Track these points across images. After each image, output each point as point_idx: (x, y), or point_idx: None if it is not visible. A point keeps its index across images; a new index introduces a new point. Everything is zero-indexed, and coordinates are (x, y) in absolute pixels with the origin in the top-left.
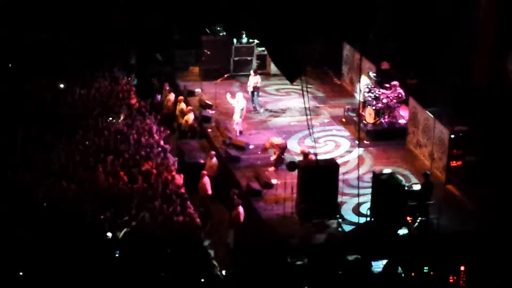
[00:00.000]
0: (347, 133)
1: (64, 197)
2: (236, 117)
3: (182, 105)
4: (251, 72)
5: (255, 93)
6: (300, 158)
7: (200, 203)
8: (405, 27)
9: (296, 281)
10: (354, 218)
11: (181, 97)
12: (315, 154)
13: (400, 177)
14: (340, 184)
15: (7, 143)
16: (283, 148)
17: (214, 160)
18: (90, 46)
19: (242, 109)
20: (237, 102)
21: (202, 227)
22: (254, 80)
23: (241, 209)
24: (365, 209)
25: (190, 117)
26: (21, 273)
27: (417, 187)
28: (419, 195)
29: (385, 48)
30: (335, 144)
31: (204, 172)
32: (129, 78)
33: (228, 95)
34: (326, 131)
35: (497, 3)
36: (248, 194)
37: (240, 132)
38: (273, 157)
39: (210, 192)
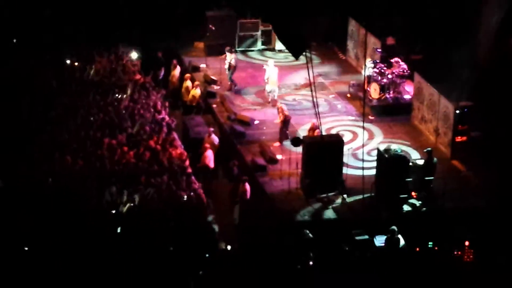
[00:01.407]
0: (353, 109)
1: (70, 172)
2: (269, 87)
3: (188, 83)
4: (226, 50)
5: (230, 71)
6: (305, 133)
7: (202, 176)
8: (410, 2)
9: (301, 256)
10: (359, 193)
11: (187, 75)
12: (320, 130)
13: (402, 151)
14: (346, 158)
15: (12, 119)
16: (287, 119)
17: (213, 136)
18: (94, 21)
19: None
20: (270, 71)
21: (207, 203)
22: (229, 58)
23: (247, 185)
24: (370, 184)
25: (197, 92)
26: (26, 248)
27: (420, 162)
28: (423, 171)
29: (390, 24)
30: (340, 119)
31: (207, 145)
32: (133, 54)
33: (265, 66)
34: (332, 107)
35: None
36: (253, 169)
37: (274, 101)
38: (277, 120)
39: (212, 165)
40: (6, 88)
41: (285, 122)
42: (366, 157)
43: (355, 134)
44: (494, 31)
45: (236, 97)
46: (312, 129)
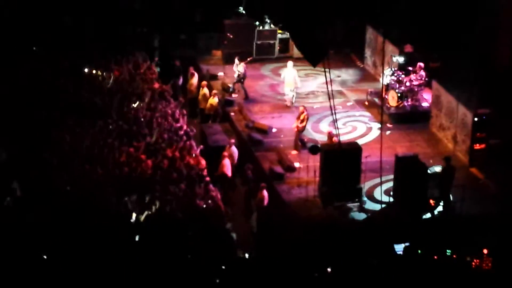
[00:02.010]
0: (370, 116)
1: (89, 181)
2: (287, 90)
3: (205, 90)
4: (236, 59)
5: (240, 79)
6: (323, 140)
7: (219, 185)
8: (428, 10)
9: (318, 264)
10: (377, 201)
11: (204, 82)
12: (338, 137)
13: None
14: (363, 167)
15: (30, 127)
16: (303, 126)
17: (233, 148)
18: (112, 29)
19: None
20: (288, 73)
21: (225, 210)
22: (237, 68)
23: (265, 192)
24: (388, 192)
25: (215, 100)
26: (44, 256)
27: (439, 169)
28: (441, 178)
29: (408, 31)
30: (358, 127)
31: (225, 153)
32: (152, 62)
33: (281, 71)
34: (349, 115)
35: None
36: (271, 178)
37: (291, 103)
38: (295, 124)
39: (229, 174)
40: (25, 95)
41: (302, 127)
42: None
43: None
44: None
45: (254, 105)
46: (330, 138)
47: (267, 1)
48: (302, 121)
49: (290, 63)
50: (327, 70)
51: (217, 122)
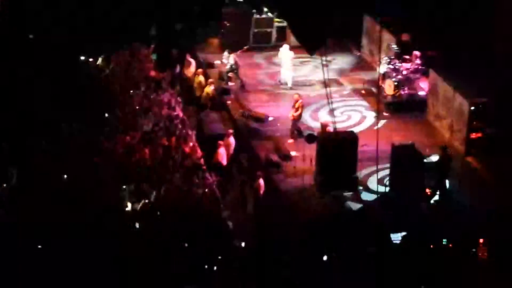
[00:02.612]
0: (367, 105)
1: (86, 169)
2: (283, 71)
3: (200, 78)
4: (225, 52)
5: (234, 70)
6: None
7: (215, 173)
8: None
9: (315, 252)
10: (373, 191)
11: (199, 70)
12: (335, 126)
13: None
14: (360, 155)
15: (28, 115)
16: (299, 114)
17: (231, 139)
18: (108, 18)
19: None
20: (284, 55)
21: (221, 199)
22: (227, 59)
23: (261, 181)
24: (384, 181)
25: (211, 89)
26: (39, 246)
27: (435, 159)
28: (437, 168)
29: (405, 20)
30: (354, 116)
31: (220, 142)
32: (148, 50)
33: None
34: (345, 103)
35: None
36: (267, 166)
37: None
38: (291, 113)
39: (224, 162)
40: (23, 84)
41: (298, 116)
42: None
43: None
44: (510, 25)
45: (250, 93)
46: (323, 128)
47: None
48: (297, 109)
49: (286, 46)
50: (323, 58)
51: (212, 111)
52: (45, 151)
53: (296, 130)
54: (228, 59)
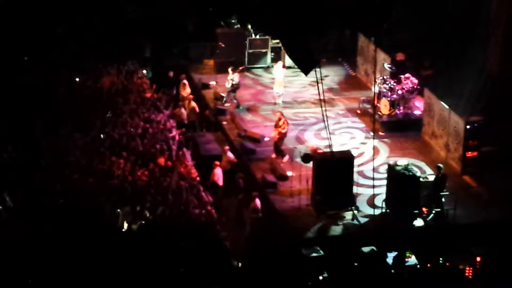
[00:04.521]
0: (362, 125)
1: (81, 190)
2: (276, 88)
3: (193, 104)
4: (229, 69)
5: (233, 89)
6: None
7: (211, 193)
8: (420, 18)
9: (311, 273)
10: (369, 210)
11: (191, 96)
12: (330, 146)
13: (415, 168)
14: (356, 175)
15: (23, 135)
16: (285, 132)
17: (229, 154)
18: (104, 39)
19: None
20: (278, 72)
21: (218, 219)
22: (230, 77)
23: (257, 201)
24: (380, 200)
25: (193, 104)
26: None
27: (431, 178)
28: (433, 186)
29: (399, 39)
30: (350, 136)
31: (216, 162)
32: (144, 72)
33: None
34: (341, 123)
35: None
36: (263, 186)
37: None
38: (274, 133)
39: (221, 183)
40: (18, 105)
41: (282, 136)
42: (375, 175)
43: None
44: (503, 44)
45: (246, 114)
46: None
47: (259, 11)
48: (282, 128)
49: (279, 63)
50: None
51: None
52: (40, 172)
53: (278, 149)
54: (231, 77)
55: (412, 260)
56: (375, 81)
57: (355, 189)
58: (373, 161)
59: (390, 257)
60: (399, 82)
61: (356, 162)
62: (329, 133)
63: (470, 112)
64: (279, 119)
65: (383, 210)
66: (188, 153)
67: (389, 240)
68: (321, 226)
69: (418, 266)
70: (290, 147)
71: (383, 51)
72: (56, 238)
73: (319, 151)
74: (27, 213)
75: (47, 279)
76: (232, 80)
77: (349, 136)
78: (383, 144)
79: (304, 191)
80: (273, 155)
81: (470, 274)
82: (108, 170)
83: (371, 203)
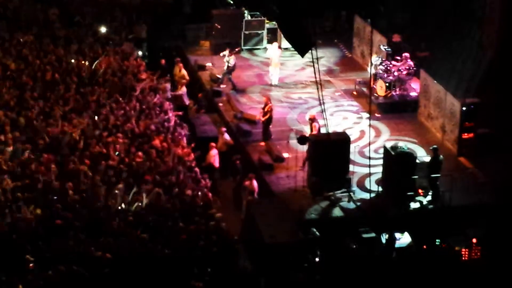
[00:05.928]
0: (358, 106)
1: (76, 172)
2: (271, 68)
3: (183, 72)
4: (226, 51)
5: (229, 71)
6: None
7: (207, 175)
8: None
9: (308, 254)
10: (366, 191)
11: (181, 64)
12: (327, 128)
13: (408, 149)
14: (352, 156)
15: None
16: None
17: (226, 136)
18: (100, 20)
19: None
20: (273, 53)
21: (214, 200)
22: (226, 59)
23: (254, 183)
24: (375, 181)
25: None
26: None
27: (427, 160)
28: (429, 168)
29: (396, 21)
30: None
31: (212, 144)
32: (140, 53)
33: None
34: (337, 105)
35: None
36: (259, 168)
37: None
38: (259, 116)
39: (217, 165)
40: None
41: (269, 119)
42: (373, 155)
43: (362, 132)
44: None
45: (242, 95)
46: (311, 119)
47: None
48: (265, 114)
49: (275, 44)
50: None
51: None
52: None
53: (267, 133)
54: (228, 59)
55: (405, 241)
56: (371, 63)
57: (352, 170)
58: (369, 142)
59: (385, 238)
60: (400, 59)
61: (353, 144)
62: (326, 115)
63: (466, 93)
64: (266, 104)
65: (379, 192)
66: (184, 134)
67: (385, 222)
68: (317, 208)
69: (413, 247)
70: (285, 129)
71: (379, 33)
72: (52, 220)
73: (315, 124)
74: (22, 196)
75: (41, 261)
76: (228, 62)
77: (345, 116)
78: (380, 125)
79: (300, 173)
80: (262, 143)
81: (466, 255)
82: (105, 152)
83: (364, 184)
